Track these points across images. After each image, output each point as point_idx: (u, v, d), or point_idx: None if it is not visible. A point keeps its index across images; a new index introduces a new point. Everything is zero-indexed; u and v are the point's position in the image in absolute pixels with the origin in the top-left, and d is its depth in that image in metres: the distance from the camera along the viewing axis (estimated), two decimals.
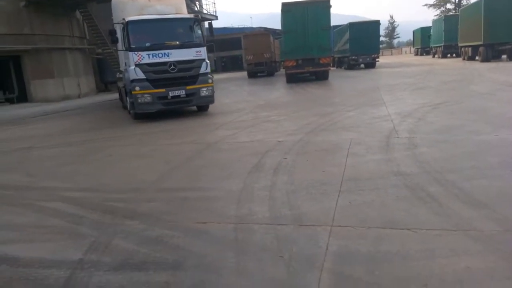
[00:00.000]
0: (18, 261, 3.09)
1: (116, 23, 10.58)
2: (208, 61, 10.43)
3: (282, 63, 30.97)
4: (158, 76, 9.73)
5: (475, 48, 25.20)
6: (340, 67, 31.68)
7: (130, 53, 9.57)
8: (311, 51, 18.60)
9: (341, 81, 19.45)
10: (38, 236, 3.61)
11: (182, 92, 9.98)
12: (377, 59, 28.68)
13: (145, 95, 9.64)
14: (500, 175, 4.09)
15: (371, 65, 28.24)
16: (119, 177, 5.38)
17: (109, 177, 5.43)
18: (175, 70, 9.78)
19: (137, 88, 9.60)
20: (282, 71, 29.39)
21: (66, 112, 14.79)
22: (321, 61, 18.94)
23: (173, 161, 5.90)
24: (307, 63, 18.88)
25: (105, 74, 25.88)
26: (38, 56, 19.82)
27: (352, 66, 28.34)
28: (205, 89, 10.28)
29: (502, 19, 22.07)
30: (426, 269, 2.49)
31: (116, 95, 20.78)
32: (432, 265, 2.54)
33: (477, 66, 21.06)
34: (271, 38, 29.98)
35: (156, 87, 9.69)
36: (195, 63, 10.09)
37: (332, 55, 29.38)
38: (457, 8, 51.87)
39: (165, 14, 10.17)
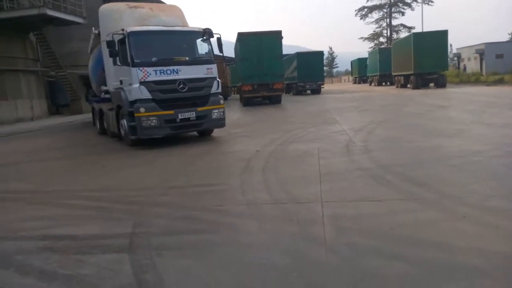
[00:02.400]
0: (76, 237, 3.81)
1: (108, 34, 8.99)
2: (219, 80, 9.45)
3: (234, 88, 32.38)
4: (166, 96, 8.51)
5: (406, 77, 28.52)
6: (289, 93, 33.77)
7: (133, 69, 8.24)
8: (265, 77, 20.16)
9: (293, 104, 21.14)
10: (78, 221, 4.29)
11: (192, 115, 8.83)
12: (322, 86, 31.20)
13: (151, 118, 8.35)
14: (433, 167, 5.51)
15: (317, 91, 30.61)
16: (124, 181, 6.10)
17: (114, 181, 6.11)
18: (185, 90, 8.63)
19: (141, 110, 8.27)
20: (234, 95, 30.75)
21: (30, 133, 14.73)
22: (274, 86, 20.57)
23: (169, 168, 6.73)
24: (262, 88, 20.39)
25: (57, 97, 25.51)
26: None
27: (300, 91, 30.48)
28: (216, 111, 9.22)
29: (429, 52, 25.44)
30: (391, 221, 3.67)
31: (73, 118, 20.77)
32: (394, 218, 3.73)
33: (409, 92, 23.96)
34: (224, 64, 31.47)
35: (163, 108, 8.46)
36: (207, 82, 9.03)
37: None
38: (389, 42, 57.53)
39: (172, 26, 9.01)
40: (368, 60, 44.41)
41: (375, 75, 39.98)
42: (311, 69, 29.30)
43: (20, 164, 8.08)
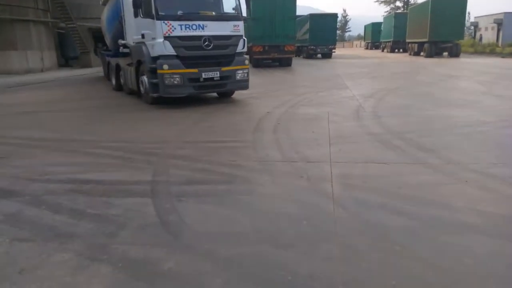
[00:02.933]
0: (103, 182, 4.09)
1: None
2: (245, 39, 8.94)
3: None
4: (191, 53, 8.11)
5: (420, 45, 27.95)
6: (299, 56, 33.30)
7: (158, 22, 7.76)
8: (277, 39, 19.89)
9: (304, 68, 20.99)
10: (104, 168, 4.58)
11: (216, 74, 8.44)
12: (333, 50, 30.68)
13: (175, 76, 7.97)
14: (441, 135, 5.67)
15: (328, 55, 30.13)
16: (142, 134, 6.32)
17: (132, 134, 6.33)
18: (210, 47, 8.22)
19: (165, 67, 7.89)
20: None
21: (42, 84, 14.91)
22: (286, 49, 20.34)
23: (184, 124, 6.93)
24: (273, 50, 20.17)
25: (67, 50, 25.45)
26: (0, 26, 19.29)
27: (311, 55, 30.02)
28: (241, 71, 8.82)
29: (446, 20, 24.81)
30: (397, 181, 3.89)
31: (83, 71, 20.85)
32: (401, 179, 3.95)
33: (422, 60, 23.60)
34: None
35: (187, 66, 8.07)
36: (232, 40, 8.58)
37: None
38: (406, 6, 55.64)
39: None
40: (382, 25, 43.29)
41: (389, 41, 39.12)
42: (324, 32, 28.68)
43: (39, 113, 8.34)
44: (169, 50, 7.89)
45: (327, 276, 2.36)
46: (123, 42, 9.83)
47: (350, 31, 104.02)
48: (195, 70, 8.17)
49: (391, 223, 3.01)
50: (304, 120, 7.01)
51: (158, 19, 7.77)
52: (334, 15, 30.78)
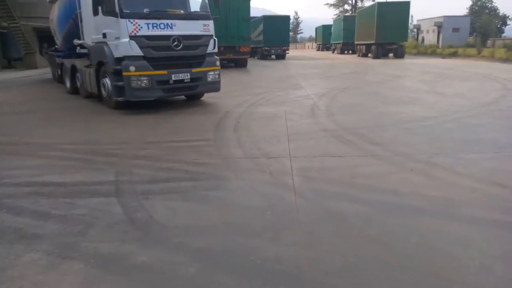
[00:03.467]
0: (64, 184, 4.04)
1: None
2: (215, 39, 8.53)
3: None
4: (159, 53, 7.63)
5: (368, 47, 29.36)
6: (253, 57, 33.64)
7: (122, 21, 7.21)
8: (232, 40, 20.04)
9: (259, 69, 21.31)
10: (63, 170, 4.49)
11: (186, 76, 7.99)
12: (287, 51, 31.39)
13: (142, 78, 7.43)
14: (388, 130, 6.13)
15: (281, 56, 30.76)
16: (100, 135, 6.24)
17: (90, 135, 6.21)
18: (180, 47, 7.76)
19: (131, 68, 7.33)
20: None
21: None
22: (241, 50, 20.56)
23: (144, 125, 6.89)
24: (228, 50, 20.27)
25: (9, 50, 24.08)
26: None
27: (265, 56, 30.47)
28: (212, 73, 8.43)
29: (391, 23, 26.30)
30: (351, 172, 4.20)
31: (29, 73, 19.78)
32: (354, 170, 4.26)
33: (370, 61, 24.81)
34: None
35: (155, 67, 7.58)
36: (203, 40, 8.15)
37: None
38: (353, 10, 58.02)
39: None
40: (332, 28, 44.85)
41: (339, 43, 40.61)
42: (277, 34, 29.22)
43: None
44: (136, 50, 7.37)
45: (293, 258, 2.56)
46: (79, 42, 9.30)
47: (302, 33, 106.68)
48: (164, 72, 7.68)
49: (348, 210, 3.27)
50: (262, 118, 7.23)
51: (122, 17, 7.23)
52: (287, 17, 31.51)
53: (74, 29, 9.62)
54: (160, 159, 4.84)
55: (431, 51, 32.89)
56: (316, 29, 57.20)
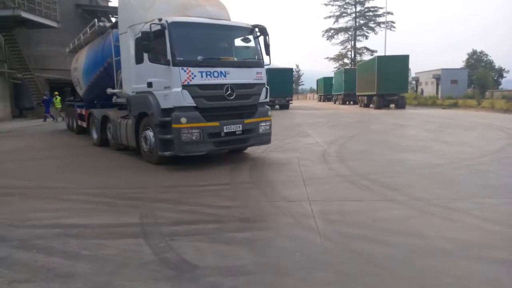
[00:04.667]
0: (90, 225, 4.11)
1: (131, 28, 7.55)
2: (268, 87, 7.92)
3: None
4: (212, 104, 7.01)
5: (370, 97, 30.17)
6: None
7: (175, 69, 6.68)
8: None
9: None
10: (88, 212, 4.57)
11: (238, 128, 7.32)
12: (290, 102, 32.31)
13: (193, 130, 6.76)
14: (402, 175, 6.25)
15: (285, 106, 31.63)
16: (117, 179, 6.37)
17: (108, 180, 6.36)
18: (233, 97, 7.19)
19: (183, 120, 6.66)
20: None
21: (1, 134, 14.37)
22: None
23: (157, 171, 7.03)
24: None
25: (21, 100, 24.85)
26: None
27: (270, 106, 31.14)
28: (264, 123, 7.77)
29: (391, 75, 27.24)
30: (372, 216, 4.27)
31: (37, 122, 20.28)
32: (375, 214, 4.34)
33: (372, 111, 25.41)
34: None
35: (207, 119, 6.92)
36: (255, 89, 7.60)
37: None
38: (353, 63, 60.27)
39: (218, 19, 7.59)
40: (333, 79, 46.29)
41: (340, 94, 41.73)
42: (281, 85, 30.19)
43: (4, 163, 8.07)
44: (188, 100, 6.75)
45: None
46: (113, 91, 8.83)
47: (303, 84, 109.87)
48: (216, 124, 7.01)
49: (374, 251, 3.32)
50: (277, 164, 7.39)
51: (175, 65, 6.68)
52: (290, 70, 32.86)
53: (103, 78, 9.31)
54: (181, 202, 4.93)
55: (432, 102, 33.70)
56: (318, 80, 58.98)
